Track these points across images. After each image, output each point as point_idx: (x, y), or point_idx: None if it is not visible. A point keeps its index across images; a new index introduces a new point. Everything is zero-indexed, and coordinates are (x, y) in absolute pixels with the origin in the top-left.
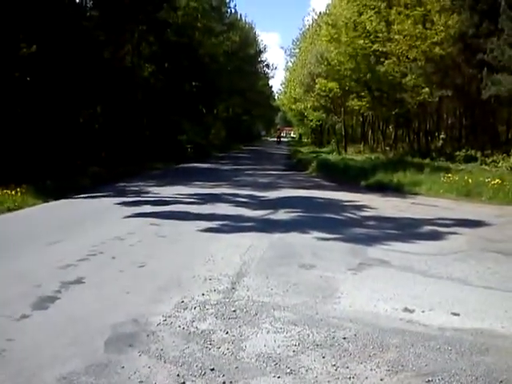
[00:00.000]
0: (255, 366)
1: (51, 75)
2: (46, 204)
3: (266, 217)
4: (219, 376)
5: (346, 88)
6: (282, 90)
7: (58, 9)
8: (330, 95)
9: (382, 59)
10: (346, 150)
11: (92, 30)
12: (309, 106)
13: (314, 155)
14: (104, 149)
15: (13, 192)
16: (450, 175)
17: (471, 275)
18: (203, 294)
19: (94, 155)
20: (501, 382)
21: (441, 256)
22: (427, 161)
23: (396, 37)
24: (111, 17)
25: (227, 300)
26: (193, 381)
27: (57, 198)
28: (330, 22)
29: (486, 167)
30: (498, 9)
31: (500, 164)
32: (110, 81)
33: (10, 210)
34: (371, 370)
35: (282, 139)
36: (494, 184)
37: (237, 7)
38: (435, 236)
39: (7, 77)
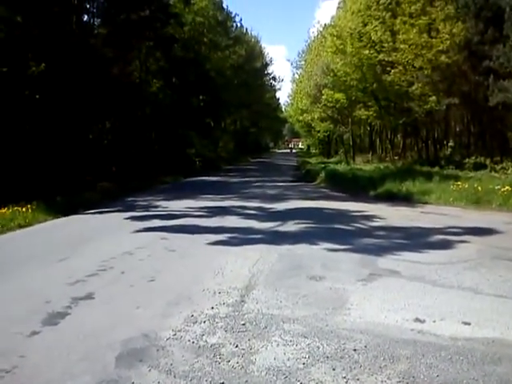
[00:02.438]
0: (265, 380)
1: (60, 93)
2: (56, 220)
3: (275, 229)
4: None
5: (353, 98)
6: (289, 101)
7: (66, 27)
8: (337, 106)
9: (388, 69)
10: (354, 160)
11: (100, 48)
12: (316, 117)
13: (322, 166)
14: (114, 164)
15: (23, 209)
16: (459, 183)
17: (482, 284)
18: (212, 308)
19: (104, 170)
20: None
21: (451, 265)
22: (436, 169)
23: (401, 46)
24: (119, 34)
25: (236, 313)
26: None
27: (67, 214)
28: (335, 33)
29: (496, 174)
30: (503, 16)
31: (509, 171)
32: (118, 97)
33: (20, 226)
34: (382, 381)
35: (292, 150)
36: (504, 191)
37: (242, 21)
38: (445, 245)
39: (17, 95)
